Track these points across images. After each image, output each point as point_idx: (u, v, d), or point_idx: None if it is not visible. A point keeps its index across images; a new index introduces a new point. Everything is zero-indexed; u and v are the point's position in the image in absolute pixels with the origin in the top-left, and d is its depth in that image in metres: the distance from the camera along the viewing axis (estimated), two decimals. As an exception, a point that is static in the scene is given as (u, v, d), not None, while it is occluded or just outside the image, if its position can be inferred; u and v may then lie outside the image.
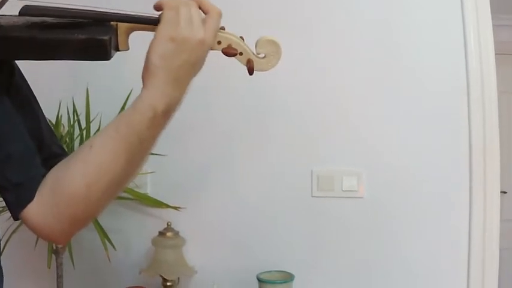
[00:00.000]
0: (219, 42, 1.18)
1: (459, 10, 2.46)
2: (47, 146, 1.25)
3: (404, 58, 2.51)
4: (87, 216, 1.21)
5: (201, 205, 2.60)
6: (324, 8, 2.55)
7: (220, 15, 1.16)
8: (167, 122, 1.15)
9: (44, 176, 1.18)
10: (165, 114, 1.12)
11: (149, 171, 2.53)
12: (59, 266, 2.40)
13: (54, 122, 2.36)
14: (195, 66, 1.14)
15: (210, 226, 2.60)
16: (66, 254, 2.41)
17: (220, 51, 1.19)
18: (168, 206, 2.53)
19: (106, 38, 1.12)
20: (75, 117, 2.44)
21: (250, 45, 1.20)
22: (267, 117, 2.54)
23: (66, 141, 2.39)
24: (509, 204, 4.66)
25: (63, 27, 1.13)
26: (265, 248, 2.56)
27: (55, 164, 1.19)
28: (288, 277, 2.35)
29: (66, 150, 2.29)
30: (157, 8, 1.14)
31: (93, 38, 1.12)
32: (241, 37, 1.21)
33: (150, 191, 2.59)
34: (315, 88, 2.54)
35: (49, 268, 2.42)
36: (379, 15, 2.51)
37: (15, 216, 1.19)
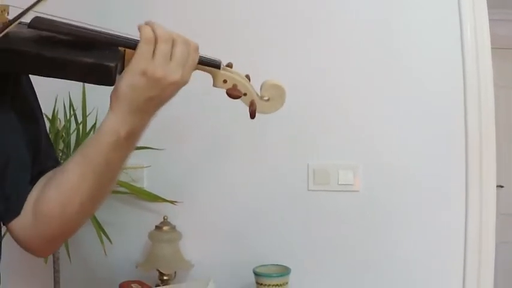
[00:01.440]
0: (225, 81, 1.17)
1: (456, 5, 2.46)
2: (41, 161, 1.25)
3: (401, 53, 2.51)
4: (63, 234, 1.24)
5: (198, 199, 2.60)
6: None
7: (194, 54, 1.12)
8: (133, 145, 1.15)
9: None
10: (128, 139, 1.11)
11: (146, 166, 2.54)
12: (56, 260, 2.40)
13: (50, 117, 2.37)
14: (163, 101, 1.12)
15: (206, 220, 2.61)
16: (62, 249, 2.41)
17: (225, 92, 1.17)
18: (164, 200, 2.53)
19: (112, 65, 1.09)
20: (72, 112, 2.44)
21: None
22: (263, 111, 2.54)
23: (62, 135, 2.39)
24: (506, 198, 4.68)
25: (71, 47, 1.10)
26: (262, 241, 2.57)
27: None
28: (284, 270, 2.35)
29: (63, 144, 2.33)
30: (139, 28, 1.10)
31: (100, 64, 1.09)
32: (247, 76, 1.20)
33: (146, 185, 2.59)
34: (311, 83, 2.54)
35: (46, 263, 2.42)
36: (376, 11, 2.52)
37: (3, 223, 1.21)
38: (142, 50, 1.07)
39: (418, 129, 2.50)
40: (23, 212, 1.18)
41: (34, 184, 1.21)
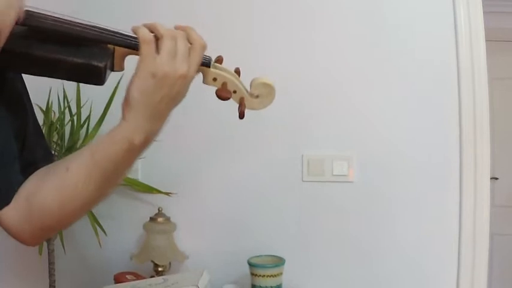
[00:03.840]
0: (215, 79, 1.17)
1: (450, -3, 2.48)
2: (30, 150, 1.24)
3: (395, 47, 2.52)
4: (59, 227, 1.25)
5: (192, 190, 2.60)
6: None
7: (204, 48, 1.14)
8: (143, 151, 1.15)
9: (21, 182, 1.19)
10: (141, 146, 1.12)
11: (140, 157, 2.53)
12: (51, 252, 2.40)
13: (44, 109, 2.36)
14: (175, 99, 1.12)
15: (201, 211, 2.61)
16: (57, 241, 2.41)
17: (214, 92, 1.18)
18: (159, 192, 2.53)
19: (101, 65, 1.09)
20: (66, 104, 2.44)
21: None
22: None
23: (56, 127, 2.38)
24: (501, 190, 4.70)
25: (60, 45, 1.09)
26: (256, 232, 2.58)
27: (34, 171, 1.21)
28: (279, 261, 2.35)
29: (57, 136, 2.32)
30: (133, 31, 1.11)
31: (89, 64, 1.08)
32: (236, 70, 1.20)
33: (141, 176, 2.59)
34: (306, 74, 2.55)
35: (40, 255, 2.42)
36: (370, 4, 2.53)
37: None
38: (145, 52, 1.08)
39: (413, 121, 2.51)
40: (14, 202, 1.17)
41: (25, 173, 1.20)
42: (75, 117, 2.41)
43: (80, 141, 2.37)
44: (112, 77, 2.28)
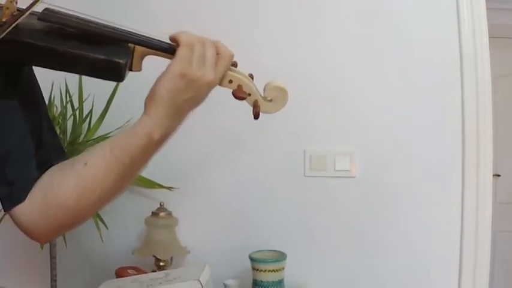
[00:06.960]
0: (230, 81, 1.20)
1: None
2: (44, 149, 1.25)
3: (398, 43, 2.52)
4: (73, 224, 1.24)
5: (194, 185, 2.60)
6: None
7: (232, 58, 1.18)
8: (159, 149, 1.18)
9: (36, 179, 1.20)
10: (159, 142, 1.16)
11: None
12: (52, 247, 2.40)
13: (46, 103, 2.36)
14: (197, 102, 1.18)
15: (203, 206, 2.61)
16: (59, 235, 2.42)
17: (231, 93, 1.20)
18: (161, 186, 2.53)
19: (123, 61, 1.12)
20: (68, 98, 2.44)
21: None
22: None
23: (59, 122, 2.38)
24: (504, 187, 4.69)
25: (81, 42, 1.11)
26: (258, 227, 2.58)
27: (48, 168, 1.21)
28: (280, 256, 2.35)
29: (57, 132, 2.32)
30: (173, 40, 1.16)
31: (111, 60, 1.11)
32: (250, 75, 1.22)
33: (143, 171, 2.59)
34: (307, 68, 2.55)
35: (42, 249, 2.43)
36: (373, 2, 2.53)
37: (5, 210, 1.21)
38: (183, 54, 1.13)
39: (416, 117, 2.51)
40: (29, 199, 1.18)
41: (40, 170, 1.21)
42: (77, 112, 2.41)
43: (82, 136, 2.37)
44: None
